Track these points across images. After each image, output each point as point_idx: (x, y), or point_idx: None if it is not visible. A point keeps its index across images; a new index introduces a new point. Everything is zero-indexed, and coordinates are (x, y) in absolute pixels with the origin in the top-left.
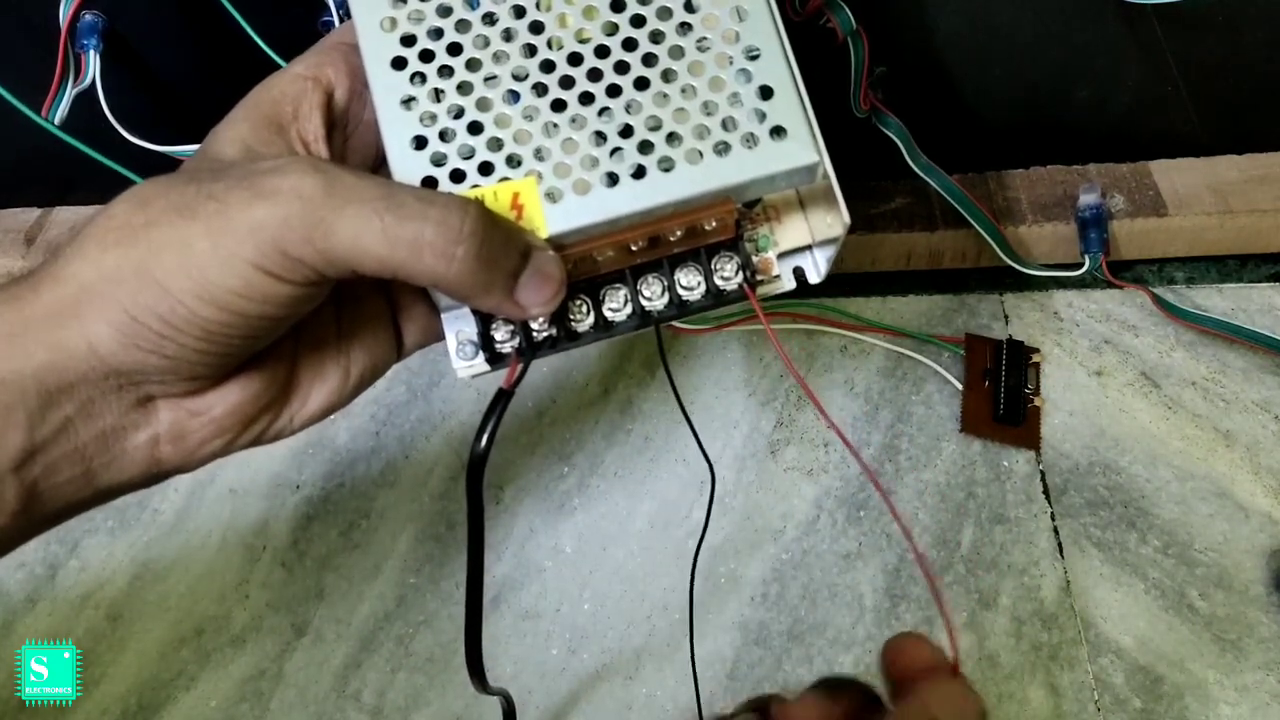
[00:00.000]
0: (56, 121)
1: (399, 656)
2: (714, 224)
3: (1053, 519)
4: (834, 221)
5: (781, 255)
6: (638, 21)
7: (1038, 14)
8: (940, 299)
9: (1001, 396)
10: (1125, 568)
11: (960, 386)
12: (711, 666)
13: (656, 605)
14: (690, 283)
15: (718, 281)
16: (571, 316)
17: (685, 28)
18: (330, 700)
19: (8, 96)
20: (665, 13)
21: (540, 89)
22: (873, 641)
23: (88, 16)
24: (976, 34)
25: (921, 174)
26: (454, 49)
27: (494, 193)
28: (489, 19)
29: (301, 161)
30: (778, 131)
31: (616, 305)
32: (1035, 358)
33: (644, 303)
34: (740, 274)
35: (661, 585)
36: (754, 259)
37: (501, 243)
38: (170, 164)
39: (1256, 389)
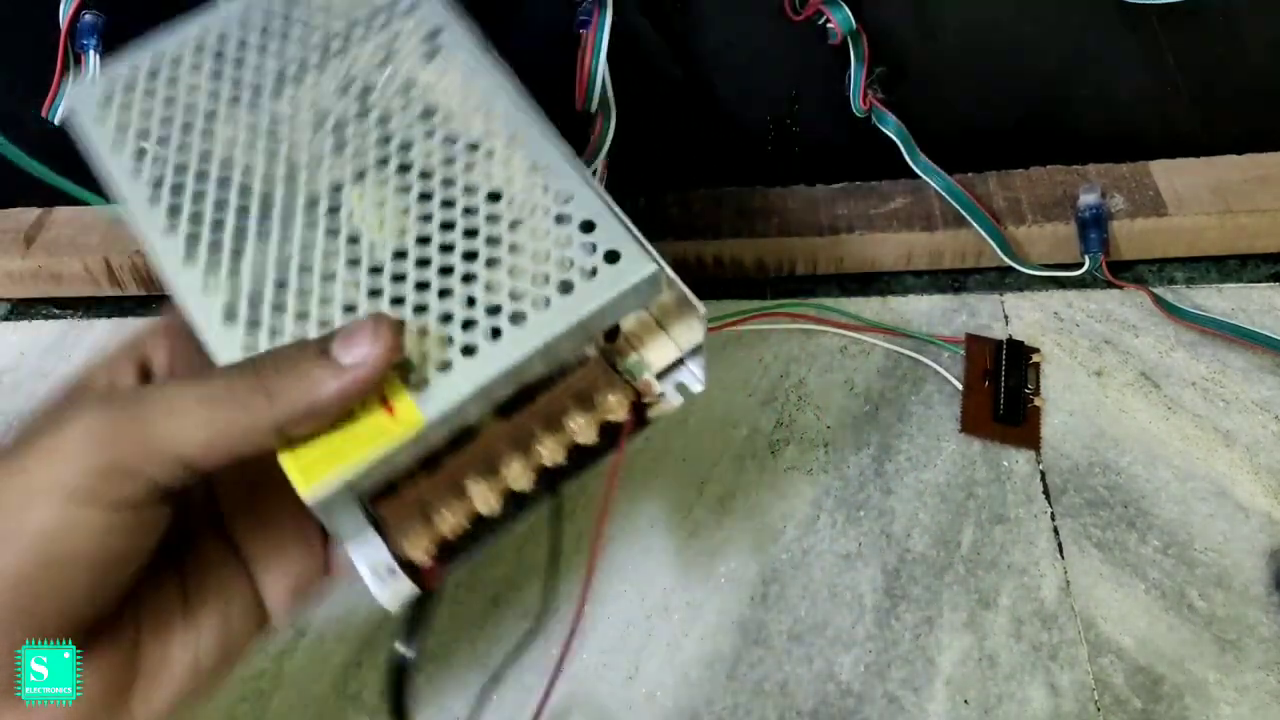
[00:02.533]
0: (57, 121)
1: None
2: (582, 377)
3: (1053, 519)
4: (694, 326)
5: (660, 376)
6: (448, 212)
7: (1038, 14)
8: (940, 299)
9: (1001, 396)
10: (1125, 568)
11: (960, 386)
12: (711, 666)
13: (657, 606)
14: (578, 424)
15: (608, 419)
16: (478, 506)
17: (495, 198)
18: (330, 700)
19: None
20: (470, 191)
21: (375, 293)
22: (872, 642)
23: (88, 16)
24: (976, 34)
25: (921, 174)
26: (281, 283)
27: (361, 402)
28: (305, 250)
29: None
30: (611, 256)
31: (516, 474)
32: (1035, 358)
33: (543, 462)
34: (627, 404)
35: (662, 586)
36: (634, 383)
37: (296, 348)
38: None
39: (1256, 389)
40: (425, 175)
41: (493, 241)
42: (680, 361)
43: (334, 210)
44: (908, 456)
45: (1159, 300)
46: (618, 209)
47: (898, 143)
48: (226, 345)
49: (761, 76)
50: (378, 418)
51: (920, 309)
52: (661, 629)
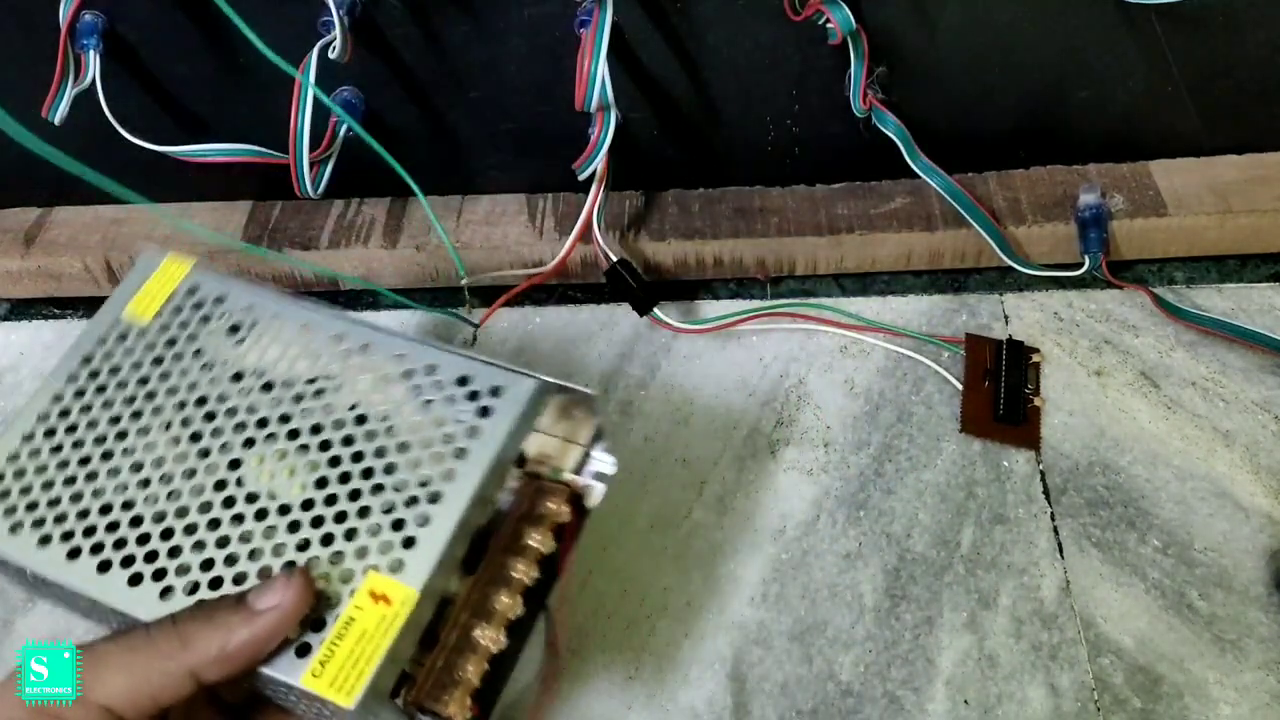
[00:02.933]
0: (57, 121)
1: None
2: (520, 503)
3: (1053, 519)
4: (583, 417)
5: (578, 473)
6: (329, 451)
7: (1038, 14)
8: (940, 299)
9: (1001, 396)
10: (1125, 568)
11: (960, 386)
12: (711, 667)
13: (657, 605)
14: (536, 538)
15: (557, 522)
16: (490, 648)
17: (361, 419)
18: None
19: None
20: (339, 425)
21: (300, 541)
22: (873, 641)
23: (88, 16)
24: (976, 34)
25: (921, 174)
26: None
27: (357, 607)
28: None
29: None
30: (495, 391)
31: (507, 605)
32: (1035, 358)
33: (525, 583)
34: (566, 504)
35: (662, 585)
36: (562, 484)
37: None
38: (171, 163)
39: (1256, 389)
40: (294, 434)
41: (380, 452)
42: (588, 454)
43: (228, 483)
44: (908, 456)
45: (1159, 300)
46: (472, 354)
47: (898, 143)
48: (141, 605)
49: (761, 76)
50: (377, 613)
51: (920, 309)
52: (662, 629)
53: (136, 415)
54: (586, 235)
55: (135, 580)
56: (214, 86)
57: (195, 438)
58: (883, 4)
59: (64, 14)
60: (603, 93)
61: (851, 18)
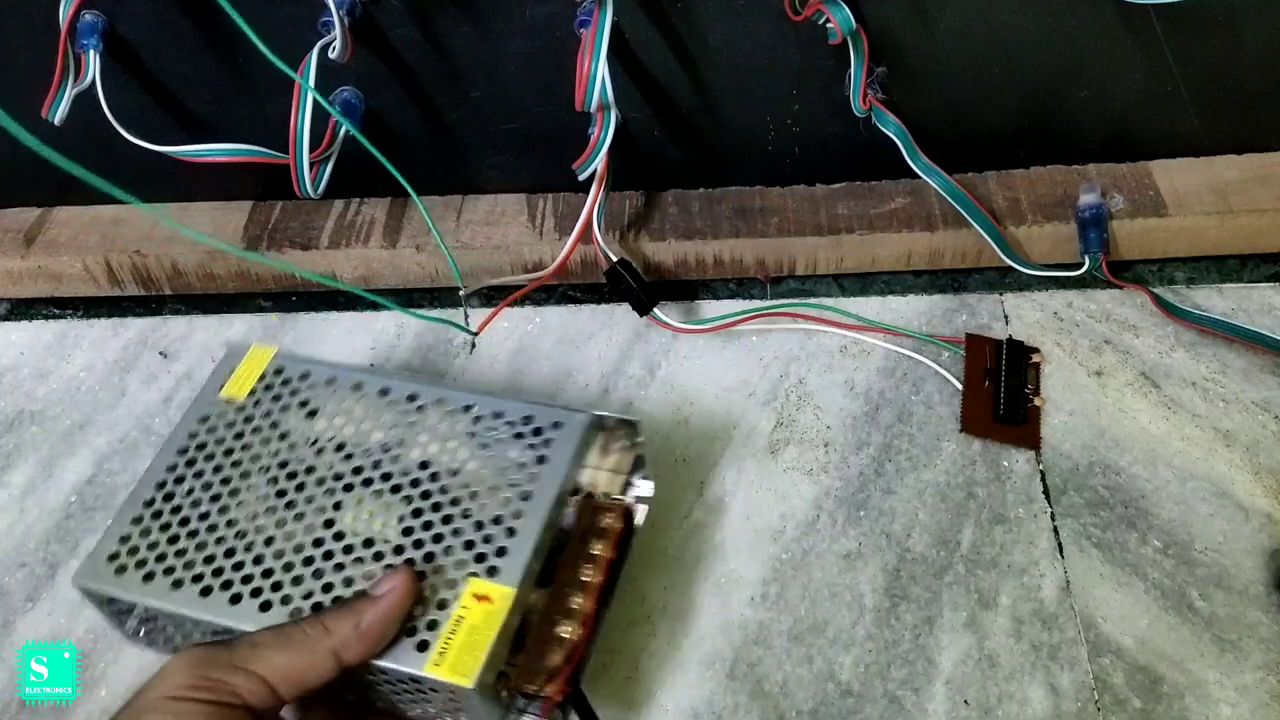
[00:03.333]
0: (57, 121)
1: None
2: (581, 521)
3: (1053, 519)
4: (631, 444)
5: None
6: (424, 500)
7: (1038, 14)
8: (940, 299)
9: (1001, 396)
10: (1125, 568)
11: (960, 386)
12: (711, 666)
13: (656, 605)
14: (600, 547)
15: (613, 532)
16: (573, 638)
17: (452, 472)
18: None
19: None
20: (434, 478)
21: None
22: (873, 641)
23: (88, 16)
24: (976, 34)
25: (921, 174)
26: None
27: (464, 607)
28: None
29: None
30: (556, 425)
31: (582, 603)
32: (1035, 358)
33: (595, 583)
34: (619, 518)
35: (662, 585)
36: (615, 503)
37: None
38: (171, 163)
39: (1256, 389)
40: (387, 478)
41: (466, 484)
42: (629, 482)
43: (334, 522)
44: (908, 456)
45: (1159, 300)
46: (529, 400)
47: (898, 143)
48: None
49: (761, 76)
50: (482, 610)
51: (920, 309)
52: (662, 629)
53: (245, 475)
54: (586, 235)
55: (265, 607)
56: (214, 86)
57: (300, 489)
58: (883, 4)
59: (64, 14)
60: (603, 93)
61: (851, 18)
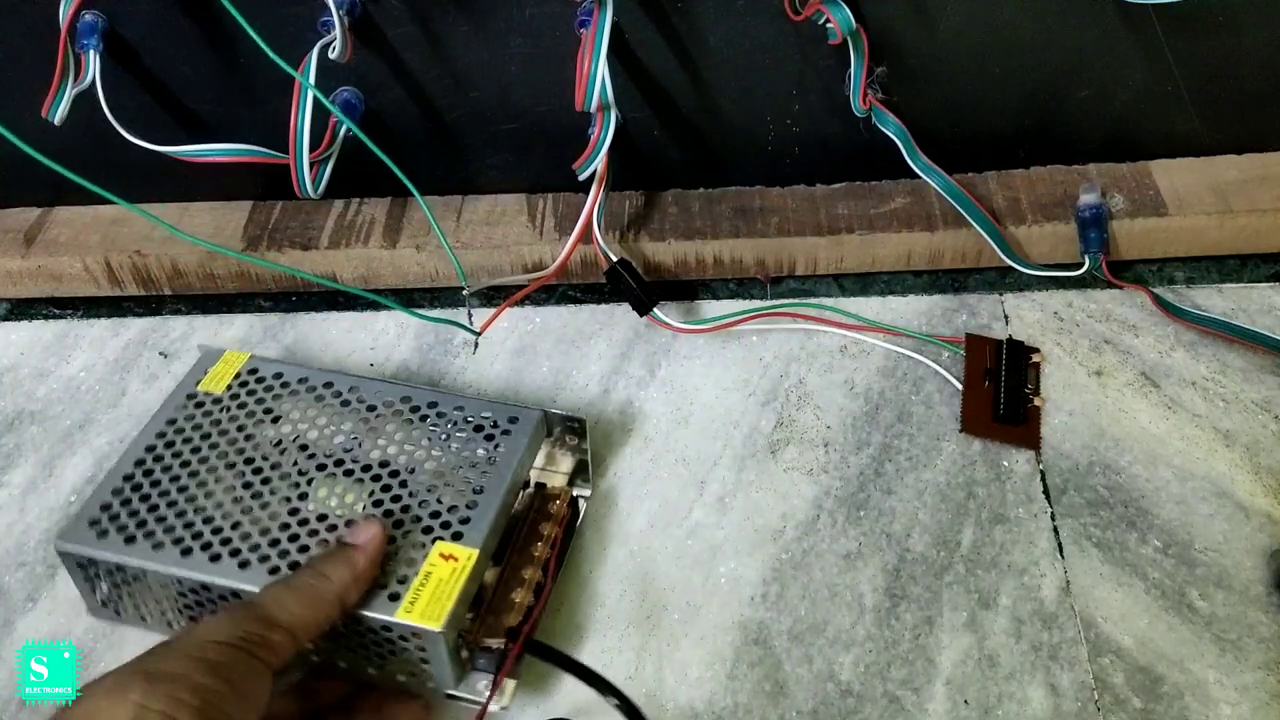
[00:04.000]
0: (57, 121)
1: None
2: (531, 506)
3: (1053, 519)
4: (572, 454)
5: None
6: (396, 479)
7: (1038, 14)
8: (940, 299)
9: (1001, 396)
10: (1125, 568)
11: (960, 386)
12: (711, 666)
13: (656, 605)
14: (547, 529)
15: (560, 515)
16: (522, 601)
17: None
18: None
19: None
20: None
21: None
22: (872, 641)
23: (88, 16)
24: (976, 34)
25: (921, 174)
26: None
27: (431, 564)
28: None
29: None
30: (512, 420)
31: (531, 574)
32: (1035, 358)
33: (544, 558)
34: (565, 504)
35: (661, 585)
36: (561, 491)
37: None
38: (171, 163)
39: (1256, 389)
40: (366, 469)
41: (434, 461)
42: (573, 481)
43: (307, 496)
44: (908, 456)
45: (1159, 300)
46: (487, 399)
47: (898, 143)
48: (254, 581)
49: (761, 76)
50: (449, 567)
51: (920, 309)
52: (662, 628)
53: (222, 455)
54: (586, 235)
55: (244, 565)
56: (214, 86)
57: (275, 468)
58: (883, 4)
59: (64, 14)
60: (603, 93)
61: (852, 18)
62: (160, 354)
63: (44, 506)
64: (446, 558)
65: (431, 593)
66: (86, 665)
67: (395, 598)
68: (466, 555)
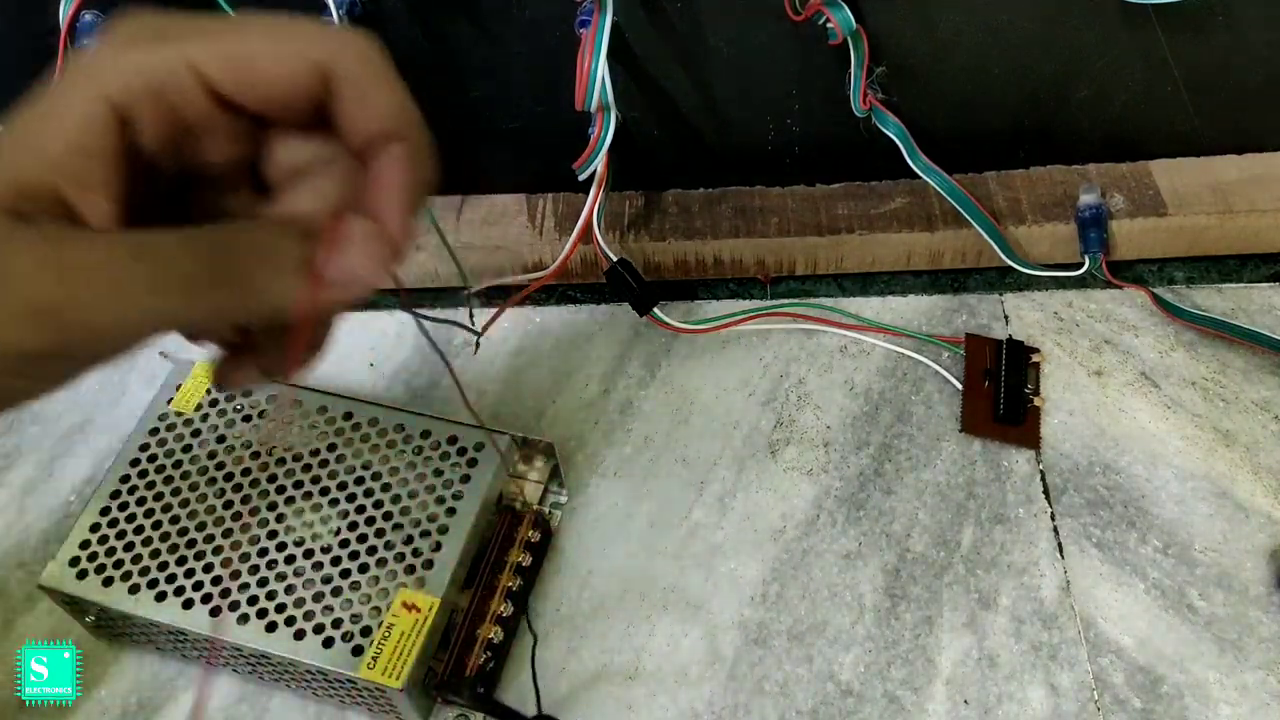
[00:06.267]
0: None
1: None
2: (502, 529)
3: (1053, 519)
4: (544, 458)
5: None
6: (358, 509)
7: (1038, 14)
8: (940, 299)
9: (1001, 396)
10: (1125, 568)
11: (960, 386)
12: (711, 666)
13: (656, 605)
14: (516, 556)
15: (529, 541)
16: (490, 637)
17: (381, 479)
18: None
19: None
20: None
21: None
22: (872, 641)
23: (88, 16)
24: (976, 34)
25: (921, 174)
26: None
27: (394, 615)
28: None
29: None
30: (478, 447)
31: (499, 606)
32: (1035, 358)
33: (512, 587)
34: (537, 529)
35: (661, 585)
36: (533, 513)
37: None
38: None
39: (1256, 389)
40: (324, 491)
41: (396, 499)
42: (547, 489)
43: (277, 533)
44: (908, 456)
45: (1159, 300)
46: (457, 420)
47: (898, 143)
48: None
49: (761, 76)
50: (411, 619)
51: (920, 309)
52: (662, 629)
53: (194, 487)
54: (586, 235)
55: (215, 613)
56: None
57: (245, 499)
58: (883, 4)
59: (64, 14)
60: (603, 93)
61: (852, 18)
62: (160, 354)
63: (44, 507)
64: (409, 607)
65: (393, 648)
66: (87, 665)
67: (358, 651)
68: (429, 605)
